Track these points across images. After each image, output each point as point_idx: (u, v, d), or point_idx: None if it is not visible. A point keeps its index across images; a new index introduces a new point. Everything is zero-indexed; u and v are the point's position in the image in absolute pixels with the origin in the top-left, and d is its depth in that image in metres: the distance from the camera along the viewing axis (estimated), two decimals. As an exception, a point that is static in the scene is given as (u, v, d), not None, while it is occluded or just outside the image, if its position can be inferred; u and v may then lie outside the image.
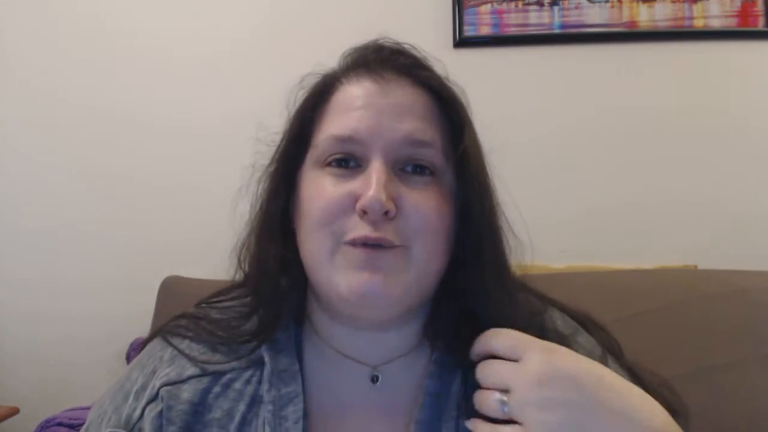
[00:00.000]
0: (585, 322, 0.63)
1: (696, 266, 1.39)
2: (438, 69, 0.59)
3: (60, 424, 0.99)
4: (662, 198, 1.53)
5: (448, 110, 0.57)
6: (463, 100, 0.59)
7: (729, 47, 1.53)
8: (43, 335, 1.60)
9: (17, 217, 1.64)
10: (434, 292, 0.57)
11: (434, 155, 0.55)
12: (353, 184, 0.52)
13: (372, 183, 0.51)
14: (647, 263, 1.40)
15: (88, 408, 1.09)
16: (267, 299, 0.58)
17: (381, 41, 0.60)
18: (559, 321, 0.62)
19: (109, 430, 0.55)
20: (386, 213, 0.51)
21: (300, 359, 0.57)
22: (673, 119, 1.54)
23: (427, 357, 0.57)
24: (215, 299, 0.64)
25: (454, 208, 0.56)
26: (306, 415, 0.54)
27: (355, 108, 0.54)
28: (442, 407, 0.54)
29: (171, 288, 1.39)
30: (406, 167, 0.54)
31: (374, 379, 0.56)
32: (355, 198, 0.52)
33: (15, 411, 1.46)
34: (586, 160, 1.56)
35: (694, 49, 1.54)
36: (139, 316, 1.40)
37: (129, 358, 1.30)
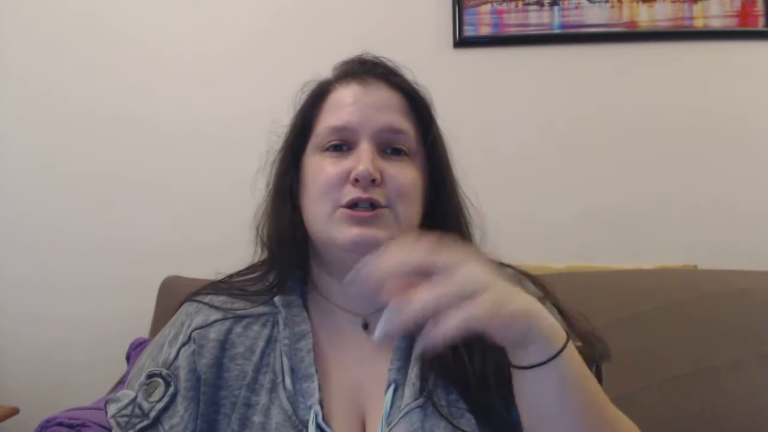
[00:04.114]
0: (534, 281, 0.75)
1: (696, 266, 1.39)
2: (407, 76, 0.75)
3: (60, 424, 0.99)
4: (662, 198, 1.53)
5: (417, 107, 0.73)
6: (428, 99, 0.74)
7: (729, 47, 1.54)
8: (43, 335, 1.60)
9: (17, 217, 1.64)
10: None
11: (408, 140, 0.70)
12: (347, 163, 0.67)
13: (362, 158, 0.66)
14: (647, 263, 1.40)
15: (88, 408, 1.09)
16: (280, 255, 0.73)
17: (363, 56, 0.75)
18: (510, 272, 0.74)
19: (149, 371, 0.67)
20: (373, 181, 0.66)
21: (306, 312, 0.71)
22: (673, 119, 1.54)
23: None
24: (233, 274, 0.76)
25: (426, 182, 0.72)
26: (314, 348, 0.68)
27: (346, 104, 0.70)
28: (411, 340, 0.68)
29: (171, 288, 1.39)
30: (387, 150, 0.69)
31: (365, 326, 0.71)
32: (349, 172, 0.66)
33: (15, 411, 1.46)
34: (586, 160, 1.56)
35: (694, 49, 1.54)
36: (138, 316, 1.40)
37: (129, 359, 1.30)
